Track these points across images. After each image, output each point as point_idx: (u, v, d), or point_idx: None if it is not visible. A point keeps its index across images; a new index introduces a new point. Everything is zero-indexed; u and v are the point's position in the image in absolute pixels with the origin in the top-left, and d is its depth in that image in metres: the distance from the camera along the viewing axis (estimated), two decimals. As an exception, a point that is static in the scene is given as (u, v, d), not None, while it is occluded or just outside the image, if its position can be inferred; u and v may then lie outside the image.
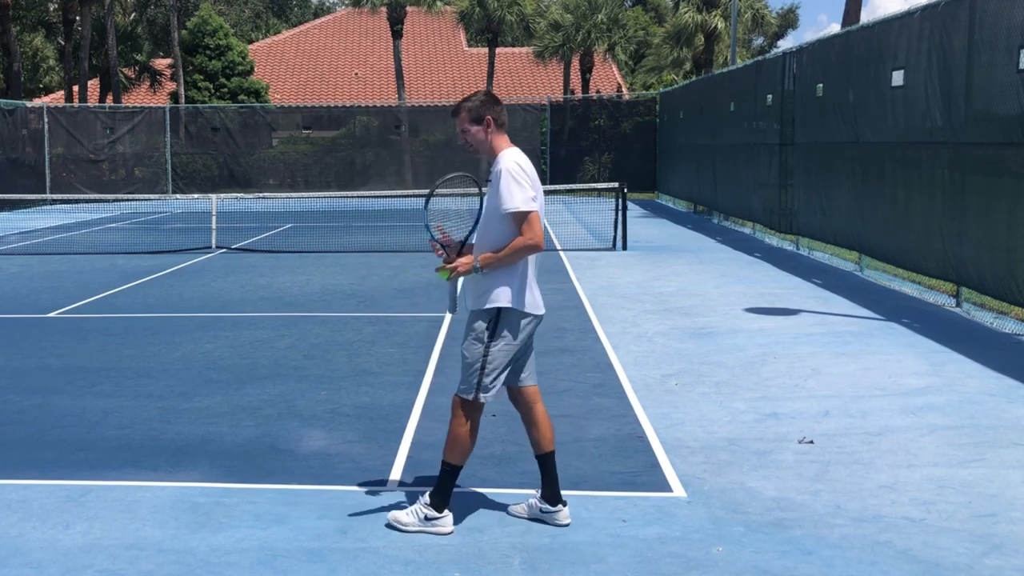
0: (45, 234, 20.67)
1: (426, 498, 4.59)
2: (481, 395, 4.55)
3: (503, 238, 4.51)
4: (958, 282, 10.35)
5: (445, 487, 4.58)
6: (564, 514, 4.68)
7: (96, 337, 9.37)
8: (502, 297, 4.53)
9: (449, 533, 4.54)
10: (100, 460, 5.73)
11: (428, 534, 4.53)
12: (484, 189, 4.67)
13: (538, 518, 4.70)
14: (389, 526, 4.61)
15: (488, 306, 4.53)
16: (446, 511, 4.57)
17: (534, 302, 4.61)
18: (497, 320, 4.53)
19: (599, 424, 6.33)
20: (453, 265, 4.60)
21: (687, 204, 26.02)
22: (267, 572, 4.23)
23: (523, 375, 4.74)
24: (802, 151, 15.79)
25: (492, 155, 4.64)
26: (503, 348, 4.54)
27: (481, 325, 4.54)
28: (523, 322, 4.58)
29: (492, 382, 4.56)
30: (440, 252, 4.73)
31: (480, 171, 34.30)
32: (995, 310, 9.97)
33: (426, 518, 4.55)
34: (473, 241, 4.70)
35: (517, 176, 4.47)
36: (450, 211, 4.79)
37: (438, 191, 4.89)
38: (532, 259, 4.62)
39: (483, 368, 4.52)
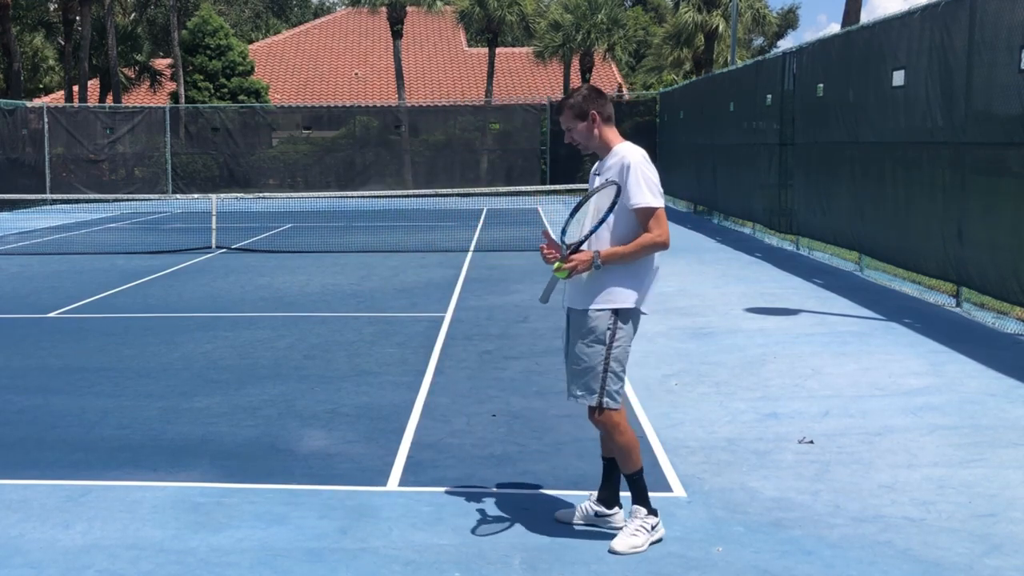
0: (45, 234, 20.67)
1: (638, 510, 4.42)
2: (606, 399, 4.34)
3: (626, 233, 4.30)
4: (958, 282, 10.34)
5: (645, 493, 4.45)
6: (620, 517, 4.57)
7: (96, 337, 9.37)
8: (622, 296, 4.32)
9: (663, 535, 4.47)
10: (100, 460, 5.73)
11: (653, 543, 4.40)
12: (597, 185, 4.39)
13: (592, 523, 4.59)
14: (616, 553, 4.32)
15: (607, 306, 4.32)
16: (658, 513, 4.48)
17: (646, 299, 4.41)
18: (617, 320, 4.33)
19: (599, 424, 6.32)
20: (572, 264, 4.27)
21: (687, 204, 26.02)
22: (267, 572, 4.23)
23: None
24: (802, 151, 15.79)
25: (605, 150, 4.43)
26: (625, 348, 4.37)
27: (602, 326, 4.32)
28: (637, 321, 4.43)
29: (619, 388, 4.38)
30: (550, 251, 4.41)
31: (479, 171, 34.32)
32: (995, 310, 9.96)
33: (652, 527, 4.41)
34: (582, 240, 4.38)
35: (647, 170, 4.29)
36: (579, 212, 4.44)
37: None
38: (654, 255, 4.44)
39: (606, 370, 4.32)
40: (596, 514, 4.62)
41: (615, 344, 4.34)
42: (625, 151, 4.36)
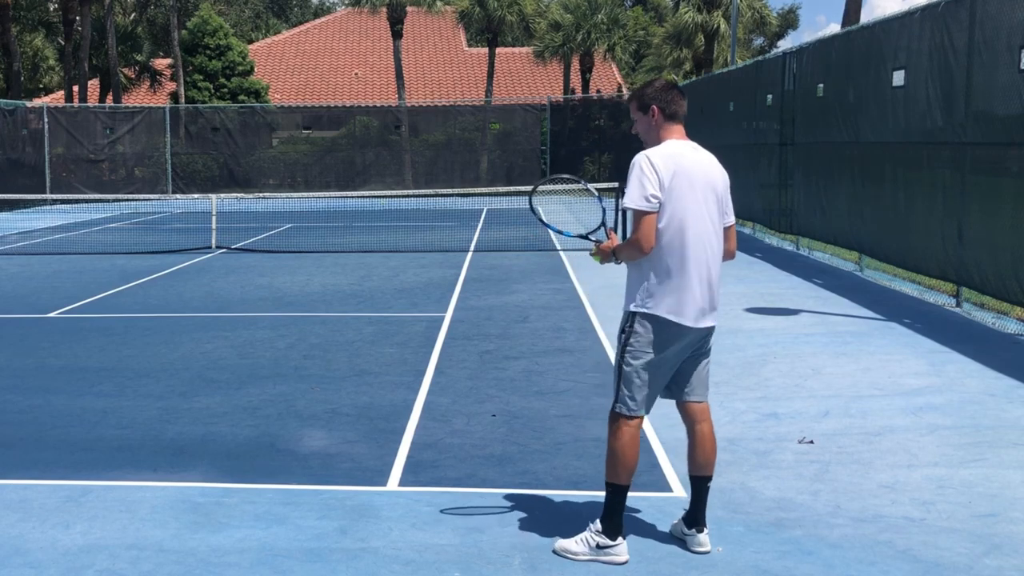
0: (45, 234, 20.67)
1: (597, 524, 4.28)
2: (619, 406, 4.25)
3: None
4: (958, 282, 10.34)
5: (611, 510, 4.27)
6: (699, 540, 4.35)
7: (96, 337, 9.37)
8: (634, 299, 4.26)
9: (624, 562, 4.22)
10: (100, 460, 5.73)
11: (601, 563, 4.22)
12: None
13: (679, 537, 4.46)
14: (556, 554, 4.32)
15: (624, 308, 4.31)
16: (620, 539, 4.25)
17: (678, 308, 4.19)
18: (632, 323, 4.25)
19: (599, 424, 6.31)
20: (603, 247, 4.41)
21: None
22: (267, 572, 4.23)
23: (686, 389, 4.39)
24: (802, 151, 15.79)
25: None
26: (640, 355, 4.22)
27: (621, 326, 4.31)
28: (661, 329, 4.20)
29: (633, 394, 4.23)
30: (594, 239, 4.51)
31: (479, 171, 34.34)
32: (995, 310, 9.96)
33: (598, 546, 4.23)
34: (607, 227, 4.55)
35: (641, 171, 4.18)
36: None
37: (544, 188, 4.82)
38: (692, 259, 4.20)
39: (620, 375, 4.25)
40: (683, 532, 4.46)
41: (628, 347, 4.25)
42: (654, 152, 4.27)
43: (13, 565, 4.31)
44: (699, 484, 4.42)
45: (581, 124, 34.35)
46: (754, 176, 18.45)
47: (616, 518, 4.29)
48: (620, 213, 4.55)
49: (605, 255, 4.43)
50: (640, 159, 4.23)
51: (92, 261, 15.52)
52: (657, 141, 4.34)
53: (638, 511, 4.82)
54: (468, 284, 12.54)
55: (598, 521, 4.32)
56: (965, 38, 10.13)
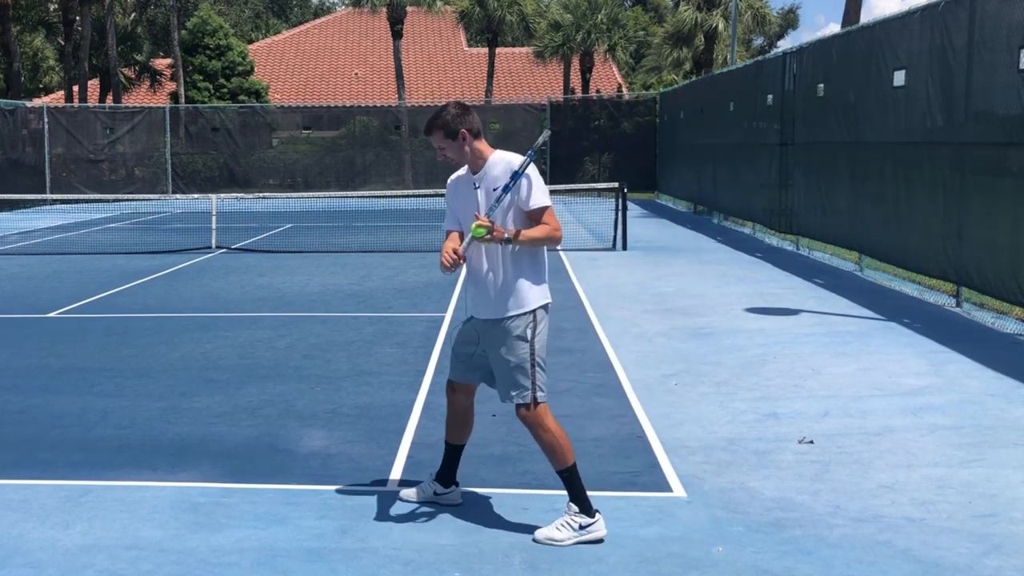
0: (45, 234, 20.67)
1: (574, 507, 4.48)
2: (539, 394, 4.50)
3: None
4: (958, 282, 10.35)
5: (577, 491, 4.50)
6: (457, 495, 4.90)
7: (96, 337, 9.37)
8: (535, 297, 4.55)
9: (603, 536, 4.47)
10: (100, 460, 5.73)
11: (584, 543, 4.43)
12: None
13: (431, 500, 4.89)
14: (539, 543, 4.46)
15: (523, 310, 4.51)
16: (597, 515, 4.50)
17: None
18: (535, 316, 4.53)
19: (599, 424, 6.33)
20: (491, 227, 4.40)
21: (687, 204, 26.02)
22: (267, 572, 4.23)
23: (480, 373, 4.73)
24: (802, 151, 15.79)
25: (480, 162, 4.60)
26: (545, 337, 4.56)
27: (521, 327, 4.50)
28: (548, 313, 4.64)
29: (544, 381, 4.54)
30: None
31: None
32: (995, 310, 9.97)
33: (581, 527, 4.45)
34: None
35: (538, 175, 4.60)
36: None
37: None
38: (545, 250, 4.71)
39: (533, 364, 4.49)
40: (435, 492, 4.87)
41: (537, 338, 4.51)
42: (508, 157, 4.58)
43: (13, 565, 4.31)
44: (459, 450, 4.90)
45: (581, 124, 34.31)
46: (754, 176, 18.44)
47: (585, 495, 4.51)
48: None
49: (497, 235, 4.43)
50: (531, 168, 4.53)
51: (92, 261, 15.52)
52: (477, 158, 4.61)
53: (638, 511, 4.82)
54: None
55: (572, 504, 4.49)
56: (965, 38, 10.13)
